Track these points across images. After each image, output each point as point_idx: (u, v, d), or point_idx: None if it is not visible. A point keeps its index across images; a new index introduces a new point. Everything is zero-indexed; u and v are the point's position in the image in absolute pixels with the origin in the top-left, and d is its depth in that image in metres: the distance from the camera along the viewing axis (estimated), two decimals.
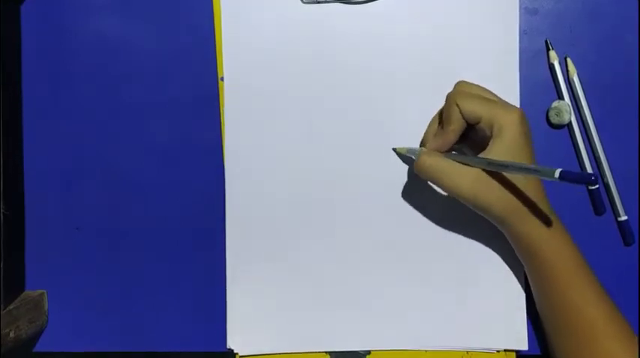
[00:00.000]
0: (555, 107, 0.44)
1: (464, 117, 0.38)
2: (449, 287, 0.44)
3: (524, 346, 0.44)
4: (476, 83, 0.41)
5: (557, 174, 0.31)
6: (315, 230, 0.45)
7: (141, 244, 0.46)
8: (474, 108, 0.38)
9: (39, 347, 0.46)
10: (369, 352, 0.45)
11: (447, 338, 0.44)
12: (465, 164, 0.38)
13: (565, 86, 0.44)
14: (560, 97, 0.44)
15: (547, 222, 0.38)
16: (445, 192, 0.39)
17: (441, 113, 0.42)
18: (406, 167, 0.45)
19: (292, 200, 0.45)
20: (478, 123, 0.38)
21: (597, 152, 0.44)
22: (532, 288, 0.42)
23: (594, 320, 0.38)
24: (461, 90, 0.40)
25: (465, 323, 0.44)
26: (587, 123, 0.44)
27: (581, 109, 0.44)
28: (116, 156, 0.46)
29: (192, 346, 0.46)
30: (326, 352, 0.45)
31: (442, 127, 0.40)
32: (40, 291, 0.45)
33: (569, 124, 0.44)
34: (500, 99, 0.40)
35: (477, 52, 0.44)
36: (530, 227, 0.38)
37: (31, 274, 0.46)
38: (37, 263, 0.46)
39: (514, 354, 0.44)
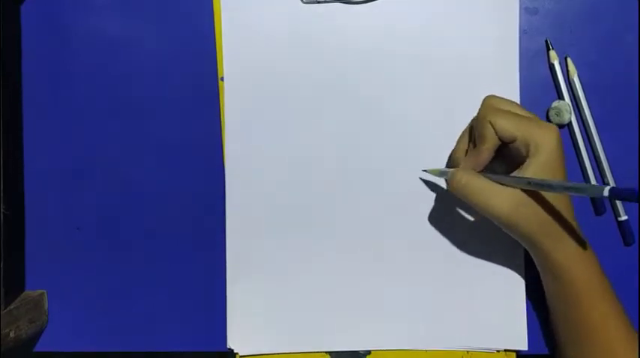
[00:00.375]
0: (555, 107, 0.44)
1: (498, 136, 0.37)
2: (449, 287, 0.44)
3: (524, 346, 0.44)
4: (506, 97, 0.39)
5: (606, 192, 0.30)
6: (315, 230, 0.45)
7: (141, 244, 0.46)
8: (509, 127, 0.37)
9: (39, 347, 0.46)
10: (369, 352, 0.45)
11: (447, 338, 0.44)
12: (503, 184, 0.37)
13: (565, 86, 0.44)
14: (561, 97, 0.44)
15: (578, 244, 0.38)
16: (481, 212, 0.38)
17: (471, 129, 0.41)
18: (406, 167, 0.44)
19: (292, 200, 0.45)
20: (513, 141, 0.37)
21: (597, 152, 0.44)
22: (550, 303, 0.41)
23: (613, 338, 0.38)
24: (493, 107, 0.39)
25: (465, 323, 0.44)
26: (588, 123, 0.44)
27: (581, 109, 0.44)
28: (116, 156, 0.46)
29: (193, 346, 0.46)
30: (326, 352, 0.45)
31: (474, 146, 0.39)
32: (40, 291, 0.45)
33: (570, 124, 0.44)
34: (533, 115, 0.39)
35: (477, 51, 0.44)
36: (562, 250, 0.38)
37: (31, 274, 0.46)
38: (37, 263, 0.46)
39: (514, 354, 0.44)
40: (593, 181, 0.44)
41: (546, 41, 0.44)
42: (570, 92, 0.44)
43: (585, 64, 0.44)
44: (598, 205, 0.44)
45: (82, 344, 0.46)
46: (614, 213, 0.44)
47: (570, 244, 0.38)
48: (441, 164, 0.44)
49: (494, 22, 0.44)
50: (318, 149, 0.45)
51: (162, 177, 0.46)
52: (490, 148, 0.38)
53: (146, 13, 0.45)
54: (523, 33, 0.44)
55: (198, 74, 0.45)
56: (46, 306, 0.46)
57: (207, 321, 0.45)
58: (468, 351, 0.44)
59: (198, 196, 0.45)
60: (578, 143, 0.44)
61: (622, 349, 0.38)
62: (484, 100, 0.40)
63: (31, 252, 0.46)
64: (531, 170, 0.36)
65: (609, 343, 0.38)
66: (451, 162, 0.43)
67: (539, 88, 0.45)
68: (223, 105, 0.45)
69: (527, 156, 0.37)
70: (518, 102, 0.44)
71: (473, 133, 0.40)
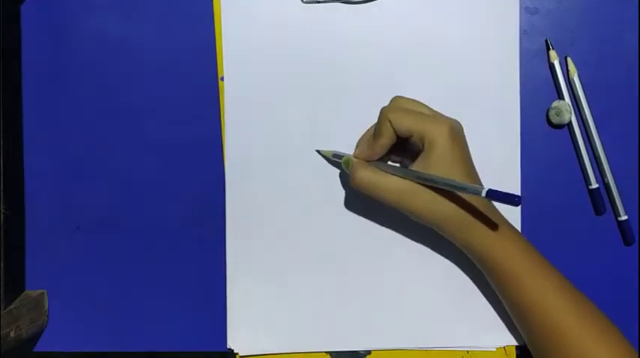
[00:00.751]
0: (555, 107, 0.44)
1: (395, 132, 0.39)
2: (449, 286, 0.44)
3: (521, 341, 0.44)
4: (412, 98, 0.41)
5: (483, 193, 0.33)
6: (315, 230, 0.45)
7: (141, 244, 0.46)
8: (404, 122, 0.38)
9: (39, 347, 0.46)
10: (369, 352, 0.45)
11: (448, 337, 0.44)
12: (395, 175, 0.38)
13: (565, 86, 0.44)
14: (561, 97, 0.44)
15: (494, 229, 0.38)
16: (375, 199, 0.39)
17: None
18: None
19: (292, 200, 0.45)
20: (410, 137, 0.39)
21: (597, 152, 0.44)
22: (493, 288, 0.42)
23: (555, 312, 0.38)
24: (395, 105, 0.41)
25: (465, 322, 0.44)
26: (588, 122, 0.44)
27: (581, 109, 0.44)
28: (116, 156, 0.46)
29: (193, 346, 0.46)
30: (326, 352, 0.45)
31: (373, 138, 0.40)
32: (41, 291, 0.45)
33: (570, 124, 0.44)
34: (435, 112, 0.40)
35: (477, 51, 0.44)
36: (478, 238, 0.39)
37: (32, 274, 0.46)
38: (38, 262, 0.46)
39: (514, 349, 0.44)
40: (593, 181, 0.44)
41: (546, 41, 0.44)
42: (570, 92, 0.44)
43: (585, 64, 0.44)
44: (598, 205, 0.44)
45: (82, 344, 0.46)
46: (615, 213, 0.44)
47: (476, 227, 0.38)
48: None
49: (494, 22, 0.44)
50: (319, 148, 0.45)
51: (162, 176, 0.46)
52: (385, 144, 0.40)
53: (146, 13, 0.45)
54: (523, 33, 0.45)
55: (198, 74, 0.45)
56: (46, 306, 0.46)
57: (207, 321, 0.45)
58: (468, 351, 0.44)
59: (198, 196, 0.45)
60: (578, 143, 0.44)
61: (565, 322, 0.37)
62: (391, 100, 0.42)
63: (31, 252, 0.46)
64: (425, 163, 0.38)
65: (552, 319, 0.38)
66: (355, 148, 0.43)
67: (539, 88, 0.45)
68: (223, 105, 0.45)
69: (420, 153, 0.38)
70: (518, 101, 0.44)
71: (375, 127, 0.41)
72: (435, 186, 0.37)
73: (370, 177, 0.39)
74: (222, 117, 0.45)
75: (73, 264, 0.46)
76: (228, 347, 0.45)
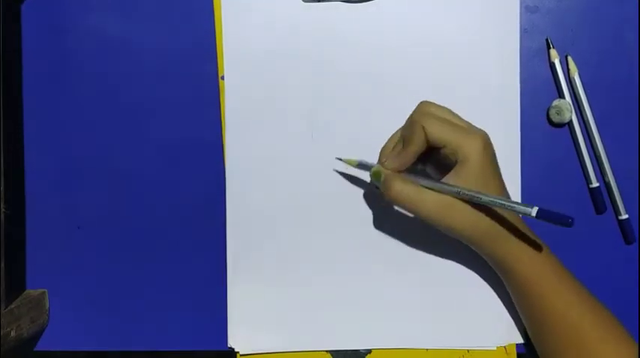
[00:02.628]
0: (556, 106, 0.44)
1: (428, 141, 0.38)
2: (449, 285, 0.44)
3: (520, 339, 0.44)
4: (443, 105, 0.40)
5: (534, 212, 0.32)
6: (315, 229, 0.45)
7: (142, 243, 0.46)
8: (439, 132, 0.38)
9: (40, 346, 0.46)
10: (369, 351, 0.45)
11: (448, 336, 0.44)
12: (434, 189, 0.38)
13: (566, 85, 0.44)
14: (561, 96, 0.44)
15: (519, 239, 0.38)
16: (414, 214, 0.38)
17: (403, 129, 0.41)
18: None
19: (293, 199, 0.45)
20: (443, 147, 0.38)
21: (598, 151, 0.44)
22: (513, 300, 0.42)
23: (578, 324, 0.38)
24: (428, 112, 0.39)
25: (465, 321, 0.44)
26: (588, 121, 0.44)
27: (581, 108, 0.44)
28: (117, 155, 0.46)
29: (193, 345, 0.46)
30: (326, 351, 0.45)
31: (403, 146, 0.40)
32: (42, 290, 0.45)
33: (570, 123, 0.44)
34: (466, 122, 0.40)
35: (478, 50, 0.44)
36: (504, 250, 0.39)
37: (32, 273, 0.46)
38: (38, 262, 0.46)
39: (514, 348, 0.44)
40: (593, 179, 0.44)
41: (547, 40, 0.44)
42: (571, 91, 0.44)
43: (586, 63, 0.44)
44: (599, 204, 0.44)
45: (83, 343, 0.46)
46: (615, 212, 0.44)
47: (511, 242, 0.38)
48: None
49: (494, 21, 0.44)
50: (319, 147, 0.45)
51: (162, 175, 0.46)
52: (416, 151, 0.39)
53: (146, 12, 0.45)
54: (524, 32, 0.44)
55: (199, 73, 0.45)
56: (47, 305, 0.46)
57: (208, 320, 0.45)
58: (468, 350, 0.44)
59: (198, 195, 0.45)
60: (578, 142, 0.44)
61: (589, 335, 0.38)
62: (419, 105, 0.40)
63: (32, 251, 0.46)
64: (460, 178, 0.37)
65: (576, 331, 0.38)
66: (380, 155, 0.42)
67: (539, 87, 0.44)
68: (224, 104, 0.45)
69: (455, 163, 0.38)
70: (519, 100, 0.44)
71: (404, 133, 0.40)
72: (479, 202, 0.36)
73: (409, 191, 0.38)
74: (222, 117, 0.45)
75: (74, 263, 0.46)
76: (228, 345, 0.45)
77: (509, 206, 0.34)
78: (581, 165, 0.44)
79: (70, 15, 0.45)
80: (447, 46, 0.44)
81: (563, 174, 0.45)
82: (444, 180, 0.38)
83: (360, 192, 0.45)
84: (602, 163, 0.44)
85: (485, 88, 0.44)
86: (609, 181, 0.44)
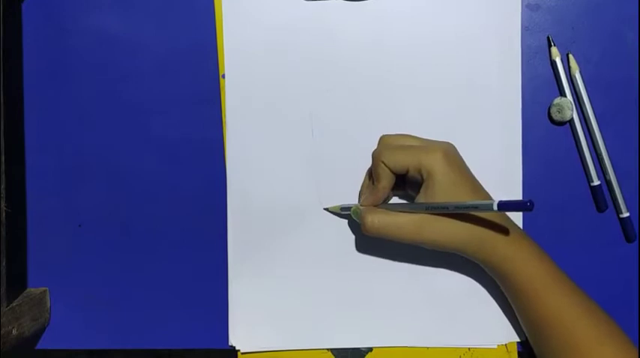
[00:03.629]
0: (557, 104, 0.44)
1: (392, 172, 0.39)
2: (450, 284, 0.44)
3: (521, 338, 0.44)
4: (400, 133, 0.41)
5: (495, 206, 0.33)
6: (316, 227, 0.45)
7: (143, 241, 0.46)
8: (398, 160, 0.39)
9: (41, 345, 0.46)
10: (370, 349, 0.45)
11: (449, 335, 0.44)
12: (407, 212, 0.38)
13: (567, 83, 0.44)
14: (562, 94, 0.44)
15: (508, 242, 0.38)
16: (400, 242, 0.39)
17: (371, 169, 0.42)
18: None
19: (294, 197, 0.45)
20: (407, 172, 0.39)
21: (599, 149, 0.44)
22: (510, 302, 0.42)
23: (573, 326, 0.38)
24: (384, 145, 0.41)
25: (466, 319, 0.44)
26: (589, 119, 0.44)
27: (583, 106, 0.44)
28: (118, 154, 0.46)
29: (195, 343, 0.46)
30: (327, 349, 0.45)
31: (373, 183, 0.41)
32: (43, 289, 0.45)
33: (571, 121, 0.44)
34: (425, 141, 0.40)
35: (479, 48, 0.44)
36: (492, 253, 0.39)
37: (34, 271, 0.46)
38: (40, 260, 0.46)
39: (515, 348, 0.44)
40: (594, 178, 0.44)
41: (548, 38, 0.44)
42: (572, 89, 0.44)
43: (587, 61, 0.44)
44: (600, 202, 0.44)
45: (84, 342, 0.46)
46: (616, 210, 0.44)
47: (498, 247, 0.38)
48: None
49: (495, 19, 0.44)
50: (319, 145, 0.45)
51: (163, 174, 0.46)
52: (386, 185, 0.40)
53: (147, 11, 0.45)
54: (525, 29, 0.44)
55: (199, 71, 0.45)
56: (48, 304, 0.46)
57: (209, 318, 0.45)
58: (469, 348, 0.44)
59: (199, 193, 0.45)
60: (579, 140, 0.44)
61: (585, 335, 0.37)
62: (379, 140, 0.42)
63: (33, 250, 0.46)
64: (429, 193, 0.38)
65: (571, 332, 0.38)
66: (358, 195, 0.44)
67: (540, 85, 0.44)
68: (224, 103, 0.45)
69: (422, 183, 0.38)
70: (520, 98, 0.44)
71: (372, 172, 0.41)
72: (447, 212, 0.37)
73: (380, 219, 0.39)
74: (223, 115, 0.45)
75: (75, 261, 0.46)
76: (230, 344, 0.45)
77: (472, 206, 0.35)
78: (582, 164, 0.44)
79: (70, 13, 0.45)
80: (447, 44, 0.44)
81: (564, 173, 0.45)
82: (416, 200, 0.39)
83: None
84: (603, 161, 0.44)
85: (486, 86, 0.44)
86: (610, 179, 0.44)
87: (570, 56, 0.44)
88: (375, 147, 0.42)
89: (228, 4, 0.44)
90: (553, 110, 0.44)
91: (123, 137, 0.46)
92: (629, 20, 0.44)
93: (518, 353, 0.44)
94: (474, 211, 0.36)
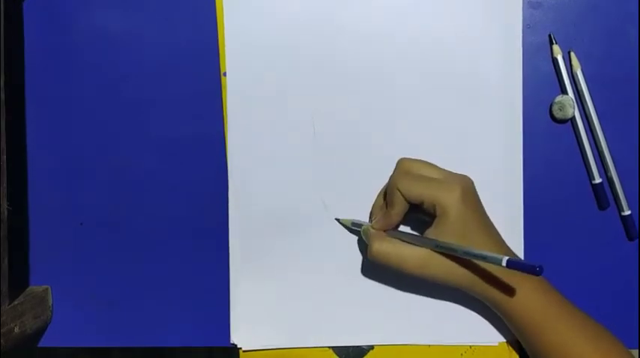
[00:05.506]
0: (559, 101, 0.44)
1: (406, 200, 0.39)
2: None
3: None
4: (419, 159, 0.41)
5: (504, 262, 0.33)
6: (318, 225, 0.45)
7: (144, 239, 0.46)
8: (414, 190, 0.38)
9: (43, 343, 0.46)
10: (372, 347, 0.45)
11: (450, 332, 0.44)
12: (414, 244, 0.39)
13: (568, 80, 0.44)
14: (564, 92, 0.44)
15: (511, 283, 0.38)
16: (398, 272, 0.39)
17: (385, 191, 0.42)
18: None
19: (295, 195, 0.45)
20: (421, 203, 0.39)
21: (601, 146, 0.44)
22: (515, 335, 0.42)
23: (578, 352, 0.38)
24: (402, 172, 0.41)
25: (467, 317, 0.44)
26: (591, 117, 0.44)
27: (584, 104, 0.44)
28: (119, 152, 0.46)
29: (196, 341, 0.46)
30: (329, 347, 0.45)
31: (386, 208, 0.41)
32: (45, 287, 0.46)
33: (573, 119, 0.44)
34: (444, 174, 0.40)
35: (480, 45, 0.44)
36: (495, 293, 0.39)
37: (36, 270, 0.46)
38: (42, 258, 0.46)
39: (516, 343, 0.44)
40: (596, 175, 0.44)
41: (549, 35, 0.44)
42: (574, 86, 0.44)
43: (589, 59, 0.44)
44: (601, 200, 0.44)
45: (86, 340, 0.46)
46: (618, 208, 0.44)
47: (501, 285, 0.38)
48: (441, 163, 0.43)
49: (497, 16, 0.44)
50: (321, 144, 0.45)
51: (165, 172, 0.46)
52: (399, 212, 0.40)
53: (148, 9, 0.45)
54: (526, 27, 0.44)
55: (201, 70, 0.45)
56: (50, 302, 0.46)
57: (211, 317, 0.45)
58: (470, 345, 0.44)
59: (201, 191, 0.45)
60: (581, 138, 0.44)
61: None
62: (397, 163, 0.41)
63: (35, 248, 0.46)
64: (440, 230, 0.38)
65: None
66: (371, 216, 0.44)
67: (542, 83, 0.44)
68: (226, 101, 0.45)
69: (435, 216, 0.38)
70: (521, 96, 0.44)
71: (387, 196, 0.41)
72: (455, 254, 0.37)
73: (387, 248, 0.39)
74: (224, 113, 0.45)
75: (77, 259, 0.46)
76: (231, 342, 0.45)
77: (480, 256, 0.35)
78: (584, 161, 0.44)
79: (71, 11, 0.45)
80: (449, 42, 0.44)
81: (565, 170, 0.45)
82: (426, 233, 0.39)
83: (362, 187, 0.45)
84: (605, 159, 0.44)
85: (487, 84, 0.44)
86: (612, 177, 0.44)
87: (572, 54, 0.44)
88: (375, 146, 0.42)
89: (229, 2, 0.44)
90: (554, 108, 0.44)
91: (125, 135, 0.46)
92: (630, 18, 0.44)
93: (520, 351, 0.44)
94: (481, 261, 0.35)
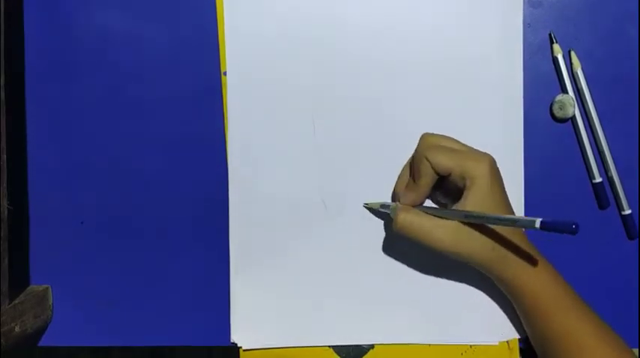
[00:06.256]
0: (559, 100, 0.44)
1: (434, 171, 0.39)
2: (452, 281, 0.44)
3: (522, 335, 0.44)
4: (440, 134, 0.41)
5: (537, 223, 0.32)
6: (318, 224, 0.45)
7: (145, 238, 0.46)
8: (443, 161, 0.38)
9: (44, 342, 0.46)
10: (372, 346, 0.45)
11: (451, 331, 0.44)
12: (442, 217, 0.38)
13: (569, 79, 0.44)
14: (564, 91, 0.44)
15: (528, 263, 0.39)
16: (426, 247, 0.39)
17: (410, 165, 0.42)
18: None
19: (295, 195, 0.45)
20: (449, 175, 0.39)
21: (601, 146, 0.44)
22: (521, 320, 0.42)
23: (582, 343, 0.38)
24: (429, 143, 0.40)
25: (468, 316, 0.44)
26: (591, 116, 0.44)
27: (584, 103, 0.44)
28: (119, 151, 0.46)
29: (196, 340, 0.46)
30: (329, 346, 0.45)
31: (414, 181, 0.41)
32: (45, 286, 0.46)
33: (573, 118, 0.44)
34: (469, 148, 0.40)
35: (480, 45, 0.44)
36: (512, 271, 0.39)
37: (36, 269, 0.46)
38: (42, 258, 0.46)
39: (517, 344, 0.44)
40: (596, 175, 0.44)
41: (550, 34, 0.44)
42: (574, 85, 0.44)
43: (589, 58, 0.44)
44: (602, 199, 0.44)
45: (86, 339, 0.46)
46: (618, 207, 0.44)
47: (521, 266, 0.39)
48: None
49: (497, 15, 0.44)
50: (322, 142, 0.45)
51: (165, 171, 0.46)
52: (428, 183, 0.39)
53: (148, 8, 0.45)
54: (527, 26, 0.44)
55: (201, 69, 0.45)
56: (50, 301, 0.46)
57: (211, 315, 0.46)
58: (471, 345, 0.45)
59: (201, 190, 0.45)
60: (581, 137, 0.44)
61: (593, 353, 0.38)
62: (421, 138, 0.41)
63: (35, 247, 0.46)
64: (468, 202, 0.38)
65: (580, 350, 0.38)
66: (394, 196, 0.44)
67: (542, 82, 0.44)
68: (226, 100, 0.45)
69: (464, 188, 0.38)
70: (522, 96, 0.44)
71: (412, 168, 0.41)
72: (486, 223, 0.37)
73: (412, 219, 0.39)
74: (224, 113, 0.45)
75: (78, 259, 0.46)
76: (231, 341, 0.45)
77: (514, 221, 0.34)
78: (584, 161, 0.44)
79: (71, 11, 0.45)
80: (449, 40, 0.44)
81: (566, 170, 0.45)
82: (454, 207, 0.38)
83: (363, 186, 0.45)
84: (605, 158, 0.44)
85: (488, 83, 0.44)
86: (612, 176, 0.44)
87: (572, 53, 0.44)
88: (375, 145, 0.42)
89: (229, 1, 0.44)
90: (555, 107, 0.44)
91: (124, 135, 0.46)
92: (631, 17, 0.44)
93: (520, 349, 0.44)
94: (512, 225, 0.35)
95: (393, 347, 0.45)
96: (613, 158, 0.44)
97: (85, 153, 0.46)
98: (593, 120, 0.44)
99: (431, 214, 0.39)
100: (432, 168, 0.39)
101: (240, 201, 0.45)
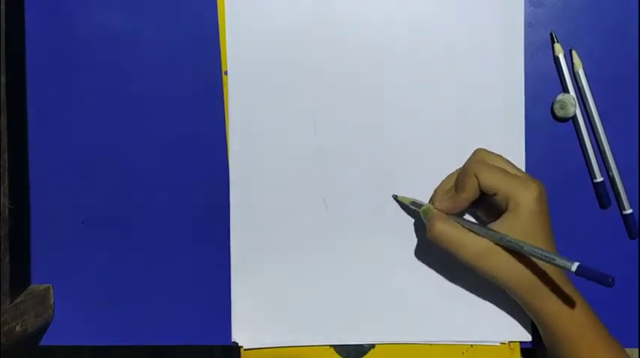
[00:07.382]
0: (560, 100, 0.44)
1: (481, 188, 0.39)
2: (453, 280, 0.44)
3: (527, 337, 0.44)
4: (495, 153, 0.41)
5: (574, 267, 0.31)
6: (319, 223, 0.45)
7: (146, 238, 0.46)
8: (492, 181, 0.38)
9: (45, 341, 0.46)
10: (373, 345, 0.45)
11: (452, 331, 0.44)
12: (477, 233, 0.38)
13: (570, 79, 0.44)
14: (565, 90, 0.44)
15: (560, 295, 0.38)
16: (453, 257, 0.39)
17: (458, 175, 0.42)
18: (408, 162, 0.44)
19: (296, 193, 0.45)
20: (495, 195, 0.38)
21: (602, 145, 0.44)
22: (546, 346, 0.41)
23: None
24: (481, 161, 0.40)
25: (469, 316, 0.44)
26: (592, 116, 0.44)
27: (586, 102, 0.44)
28: (120, 150, 0.46)
29: (197, 339, 0.46)
30: (330, 345, 0.45)
31: (456, 191, 0.40)
32: (46, 285, 0.46)
33: (574, 117, 0.44)
34: (521, 172, 0.40)
35: (482, 44, 0.44)
36: (541, 302, 0.38)
37: (37, 268, 0.46)
38: (43, 257, 0.46)
39: (518, 345, 0.44)
40: (598, 174, 0.44)
41: (551, 34, 0.44)
42: (575, 85, 0.44)
43: (590, 57, 0.44)
44: (603, 198, 0.44)
45: (87, 338, 0.46)
46: (619, 207, 0.44)
47: (550, 296, 0.38)
48: (443, 162, 0.43)
49: (498, 15, 0.44)
50: (323, 142, 0.45)
51: (166, 170, 0.46)
52: (468, 198, 0.39)
53: (149, 8, 0.45)
54: (528, 26, 0.44)
55: (202, 68, 0.45)
56: (51, 300, 0.46)
57: (212, 315, 0.46)
58: (472, 345, 0.45)
59: (202, 190, 0.45)
60: (582, 136, 0.44)
61: None
62: (474, 152, 0.41)
63: (36, 247, 0.46)
64: (508, 225, 0.37)
65: None
66: (433, 195, 0.43)
67: (543, 81, 0.44)
68: (227, 99, 0.45)
69: (505, 209, 0.38)
70: (523, 95, 0.44)
71: (458, 179, 0.41)
72: (520, 251, 0.36)
73: (449, 230, 0.39)
74: (225, 112, 0.45)
75: (78, 258, 0.46)
76: (232, 340, 0.45)
77: (549, 258, 0.34)
78: (585, 160, 0.44)
79: (72, 11, 0.45)
80: (450, 40, 0.44)
81: (567, 169, 0.45)
82: (491, 225, 0.38)
83: (364, 185, 0.45)
84: (607, 158, 0.44)
85: (489, 82, 0.44)
86: (613, 176, 0.44)
87: (573, 52, 0.44)
88: (376, 145, 0.42)
89: (230, 1, 0.44)
90: (556, 106, 0.44)
91: (124, 134, 0.46)
92: (632, 16, 0.44)
93: (521, 350, 0.44)
94: (547, 261, 0.34)
95: (394, 346, 0.45)
96: (614, 157, 0.44)
97: (85, 153, 0.46)
98: (594, 119, 0.44)
99: (466, 227, 0.39)
100: (479, 185, 0.38)
101: (241, 201, 0.45)
